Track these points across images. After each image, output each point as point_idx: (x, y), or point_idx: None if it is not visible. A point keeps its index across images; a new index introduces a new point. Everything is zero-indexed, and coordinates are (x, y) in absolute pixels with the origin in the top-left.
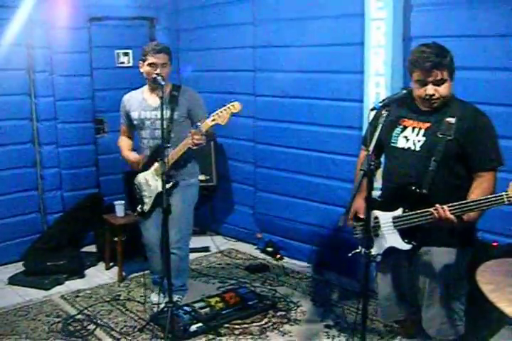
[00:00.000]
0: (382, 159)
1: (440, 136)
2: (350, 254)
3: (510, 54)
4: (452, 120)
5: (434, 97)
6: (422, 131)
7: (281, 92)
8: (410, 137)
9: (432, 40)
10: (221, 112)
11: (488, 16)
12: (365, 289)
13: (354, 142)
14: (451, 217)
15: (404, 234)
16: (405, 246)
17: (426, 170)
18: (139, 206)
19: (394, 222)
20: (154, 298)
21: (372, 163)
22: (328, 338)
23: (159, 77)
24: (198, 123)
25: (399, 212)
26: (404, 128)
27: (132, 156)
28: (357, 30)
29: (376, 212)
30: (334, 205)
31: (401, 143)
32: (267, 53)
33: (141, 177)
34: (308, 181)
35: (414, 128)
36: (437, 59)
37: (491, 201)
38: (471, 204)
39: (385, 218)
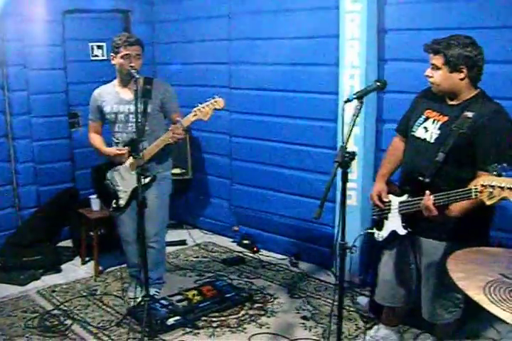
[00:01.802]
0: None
1: (454, 128)
2: (362, 233)
3: (485, 46)
4: (470, 114)
5: (430, 80)
6: (439, 124)
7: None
8: (429, 129)
9: (406, 32)
10: (203, 108)
11: (463, 9)
12: (340, 280)
13: (329, 134)
14: (432, 207)
15: (406, 219)
16: (402, 231)
17: (433, 160)
18: (114, 201)
19: (399, 207)
20: (131, 292)
21: (347, 155)
22: (305, 329)
23: (133, 70)
24: (178, 118)
25: (404, 197)
26: (427, 119)
27: (114, 150)
28: (332, 22)
29: (390, 196)
30: (310, 197)
31: (419, 132)
32: (243, 46)
33: (114, 172)
34: (283, 173)
35: (434, 120)
36: (434, 44)
37: (460, 194)
38: (446, 195)
39: (394, 202)
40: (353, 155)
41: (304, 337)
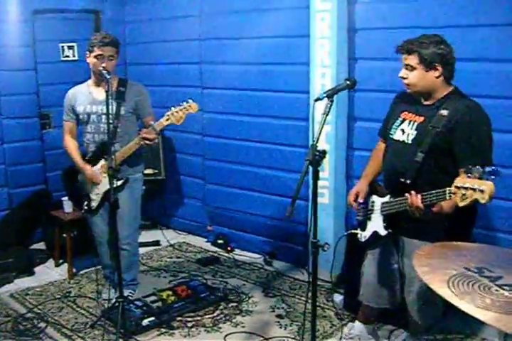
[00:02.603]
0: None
1: (430, 127)
2: (345, 233)
3: (456, 45)
4: (445, 112)
5: (405, 81)
6: (415, 125)
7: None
8: (406, 130)
9: (376, 31)
10: (177, 112)
11: (433, 8)
12: (314, 278)
13: (301, 133)
14: (421, 205)
15: (388, 220)
16: (383, 232)
17: (412, 161)
18: (85, 203)
19: (381, 208)
20: (105, 294)
21: (318, 153)
22: (280, 328)
23: (105, 71)
24: (151, 122)
25: (386, 198)
26: (403, 120)
27: (89, 170)
28: (303, 22)
29: (374, 197)
30: (283, 196)
31: (397, 135)
32: (214, 46)
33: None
34: (256, 173)
35: (410, 121)
36: (408, 44)
37: (436, 195)
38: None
39: (377, 203)
40: (323, 153)
41: (279, 336)
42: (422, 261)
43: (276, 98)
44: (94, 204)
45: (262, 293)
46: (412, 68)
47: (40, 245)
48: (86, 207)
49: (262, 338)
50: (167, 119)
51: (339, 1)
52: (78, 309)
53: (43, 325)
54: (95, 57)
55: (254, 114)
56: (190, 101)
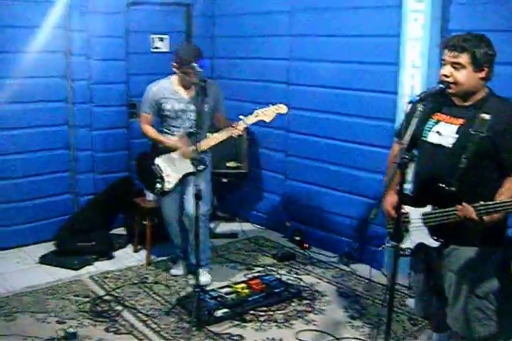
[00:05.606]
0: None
1: (473, 132)
2: (380, 248)
3: None
4: (487, 116)
5: (448, 80)
6: (455, 128)
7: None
8: (443, 133)
9: None
10: (266, 111)
11: None
12: (392, 282)
13: (387, 134)
14: (475, 217)
15: (433, 231)
16: (433, 243)
17: (456, 168)
18: (159, 186)
19: (423, 219)
20: (173, 269)
21: (406, 156)
22: (352, 328)
23: (195, 64)
24: (241, 117)
25: (428, 208)
26: (437, 122)
27: (176, 141)
28: (394, 21)
29: (407, 208)
30: (363, 196)
31: (432, 137)
32: (303, 42)
33: (164, 159)
34: (338, 171)
35: (447, 123)
36: (462, 42)
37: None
38: (498, 205)
39: (415, 214)
40: (412, 156)
41: (350, 337)
42: None
43: (363, 97)
44: (169, 186)
45: (336, 292)
46: (461, 67)
47: (121, 230)
48: (159, 189)
49: (332, 338)
50: (256, 116)
51: (434, 1)
52: (154, 295)
53: (119, 308)
54: (182, 72)
55: (339, 112)
56: (281, 104)
